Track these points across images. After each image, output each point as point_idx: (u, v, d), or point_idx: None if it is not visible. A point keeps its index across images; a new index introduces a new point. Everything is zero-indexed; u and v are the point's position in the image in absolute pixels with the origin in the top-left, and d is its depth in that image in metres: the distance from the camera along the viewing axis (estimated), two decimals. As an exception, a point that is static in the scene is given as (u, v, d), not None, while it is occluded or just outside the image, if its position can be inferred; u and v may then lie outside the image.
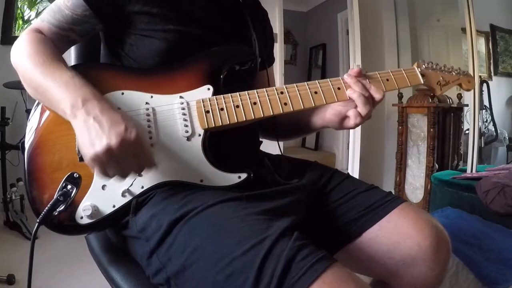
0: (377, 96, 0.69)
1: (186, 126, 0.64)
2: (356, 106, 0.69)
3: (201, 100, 0.65)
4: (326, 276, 0.45)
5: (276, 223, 0.52)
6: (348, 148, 3.07)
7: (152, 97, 0.65)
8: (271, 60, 0.95)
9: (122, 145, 0.53)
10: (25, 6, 2.67)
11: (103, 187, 0.61)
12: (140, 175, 0.60)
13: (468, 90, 0.82)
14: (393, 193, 0.78)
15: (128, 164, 0.55)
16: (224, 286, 0.47)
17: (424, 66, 0.77)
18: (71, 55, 0.86)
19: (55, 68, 0.60)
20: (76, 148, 0.62)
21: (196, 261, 0.51)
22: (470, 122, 2.23)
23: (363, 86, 0.69)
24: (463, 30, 2.26)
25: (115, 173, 0.55)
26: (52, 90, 0.58)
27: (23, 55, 0.63)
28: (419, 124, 2.35)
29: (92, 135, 0.53)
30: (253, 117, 0.66)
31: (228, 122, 0.65)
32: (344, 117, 0.72)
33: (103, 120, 0.54)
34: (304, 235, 0.51)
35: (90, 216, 0.60)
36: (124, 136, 0.53)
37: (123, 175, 0.57)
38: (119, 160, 0.54)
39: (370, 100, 0.69)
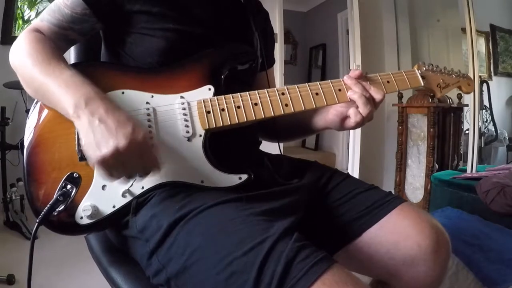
0: (377, 96, 0.70)
1: (187, 126, 0.63)
2: (357, 107, 0.69)
3: (202, 101, 0.65)
4: (326, 277, 0.45)
5: (276, 223, 0.52)
6: (348, 148, 3.07)
7: (152, 96, 0.64)
8: (272, 61, 0.94)
9: (130, 146, 0.52)
10: (25, 6, 2.67)
11: (103, 187, 0.61)
12: (144, 176, 0.58)
13: (468, 93, 0.82)
14: (393, 193, 0.78)
15: (134, 166, 0.54)
16: (224, 287, 0.47)
17: (424, 68, 0.77)
18: (70, 55, 0.85)
19: (54, 67, 0.59)
20: (76, 148, 0.62)
21: (197, 262, 0.50)
22: (470, 122, 2.23)
23: (363, 87, 0.69)
24: (463, 30, 2.26)
25: (121, 175, 0.55)
26: (52, 89, 0.57)
27: (22, 54, 0.62)
28: (419, 124, 2.35)
29: (98, 136, 0.52)
30: (254, 118, 0.65)
31: (229, 123, 0.65)
32: (345, 117, 0.72)
33: (109, 120, 0.53)
34: (304, 236, 0.51)
35: (90, 217, 0.59)
36: (132, 137, 0.52)
37: (129, 177, 0.56)
38: (125, 162, 0.53)
39: (371, 101, 0.69)
